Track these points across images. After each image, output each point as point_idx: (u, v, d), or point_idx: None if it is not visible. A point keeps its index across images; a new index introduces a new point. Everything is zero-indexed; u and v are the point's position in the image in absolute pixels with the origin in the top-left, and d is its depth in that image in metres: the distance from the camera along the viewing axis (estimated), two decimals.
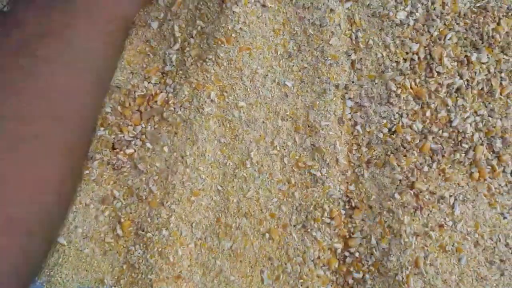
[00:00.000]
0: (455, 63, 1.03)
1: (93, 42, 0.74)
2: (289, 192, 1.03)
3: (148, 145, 1.05)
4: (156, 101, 1.07)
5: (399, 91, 1.02)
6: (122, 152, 1.06)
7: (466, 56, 1.02)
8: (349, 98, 1.03)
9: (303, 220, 1.02)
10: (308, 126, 1.04)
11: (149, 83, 1.07)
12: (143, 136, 1.07)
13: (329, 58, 1.04)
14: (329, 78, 1.04)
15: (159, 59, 1.08)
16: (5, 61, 0.65)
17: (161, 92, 1.07)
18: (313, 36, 1.04)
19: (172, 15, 1.09)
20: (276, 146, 1.04)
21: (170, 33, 1.08)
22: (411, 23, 1.02)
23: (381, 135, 1.02)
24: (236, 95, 1.05)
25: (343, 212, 1.01)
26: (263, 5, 1.04)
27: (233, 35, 1.03)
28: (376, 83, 1.04)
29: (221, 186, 1.05)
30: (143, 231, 1.03)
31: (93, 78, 0.79)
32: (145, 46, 1.09)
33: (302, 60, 1.06)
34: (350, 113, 1.04)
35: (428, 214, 0.97)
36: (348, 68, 1.05)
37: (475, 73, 1.01)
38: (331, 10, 1.03)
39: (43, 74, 0.67)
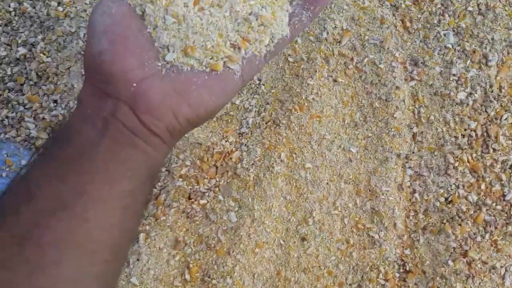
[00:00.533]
0: (510, 142, 1.29)
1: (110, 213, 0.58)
2: (347, 252, 1.29)
3: (220, 197, 1.34)
4: (231, 158, 1.36)
5: (456, 164, 1.29)
6: (196, 202, 1.35)
7: None
8: (409, 167, 1.30)
9: (358, 280, 1.27)
10: (369, 190, 1.32)
11: (226, 141, 1.37)
12: (216, 189, 1.36)
13: (393, 130, 1.32)
14: (391, 147, 1.32)
15: (237, 121, 1.38)
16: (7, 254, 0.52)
17: (236, 150, 1.36)
18: (378, 109, 1.33)
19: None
20: (338, 206, 1.31)
21: (249, 102, 1.39)
22: (470, 103, 1.30)
23: (437, 204, 1.28)
24: (304, 157, 1.34)
25: (397, 275, 1.26)
26: (335, 80, 1.34)
27: (306, 104, 1.33)
28: (435, 155, 1.31)
29: (284, 241, 1.32)
30: (209, 277, 1.30)
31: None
32: (224, 111, 1.40)
33: (367, 130, 1.34)
34: (409, 181, 1.31)
35: (480, 283, 1.21)
36: (409, 139, 1.33)
37: None
38: (397, 87, 1.32)
39: (50, 267, 0.53)
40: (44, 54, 1.34)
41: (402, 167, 1.22)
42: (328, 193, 1.24)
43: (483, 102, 1.19)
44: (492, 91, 1.19)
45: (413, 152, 1.22)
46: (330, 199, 1.24)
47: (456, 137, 1.19)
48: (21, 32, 1.37)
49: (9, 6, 1.38)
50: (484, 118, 1.18)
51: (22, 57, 1.35)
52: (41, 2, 1.36)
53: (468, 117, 1.19)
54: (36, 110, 1.34)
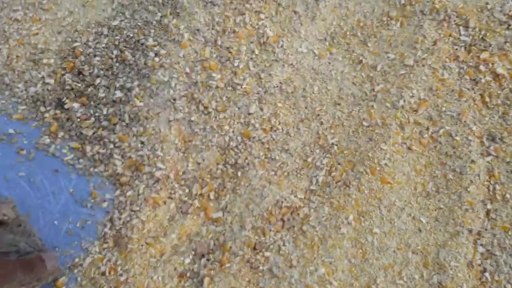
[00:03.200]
0: None
1: None
2: None
3: (284, 250, 1.45)
4: (298, 214, 1.47)
5: None
6: (261, 253, 1.47)
7: None
8: (481, 245, 1.34)
9: None
10: (437, 264, 1.36)
11: (295, 196, 1.49)
12: (281, 243, 1.47)
13: (466, 204, 1.37)
14: (463, 222, 1.37)
15: (307, 178, 1.50)
16: None
17: (304, 206, 1.48)
18: (452, 181, 1.40)
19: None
20: (403, 277, 1.37)
21: (321, 161, 1.51)
22: None
23: (509, 286, 1.30)
24: (372, 222, 1.42)
25: None
26: (409, 148, 1.43)
27: (378, 168, 1.43)
28: (509, 235, 1.34)
29: None
30: None
31: None
32: (295, 166, 1.52)
33: (439, 201, 1.40)
34: (480, 259, 1.34)
35: None
36: (483, 216, 1.37)
37: None
38: (472, 161, 1.39)
39: None
40: (137, 98, 1.56)
41: (473, 243, 1.27)
42: (394, 262, 1.31)
43: None
44: None
45: (485, 229, 1.27)
46: (396, 268, 1.30)
47: None
48: (120, 77, 1.60)
49: (112, 53, 1.63)
50: None
51: (118, 99, 1.58)
52: (140, 52, 1.59)
53: None
54: (124, 149, 1.54)
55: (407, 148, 1.35)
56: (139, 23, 1.65)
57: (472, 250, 1.23)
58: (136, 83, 1.59)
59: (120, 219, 1.47)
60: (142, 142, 1.55)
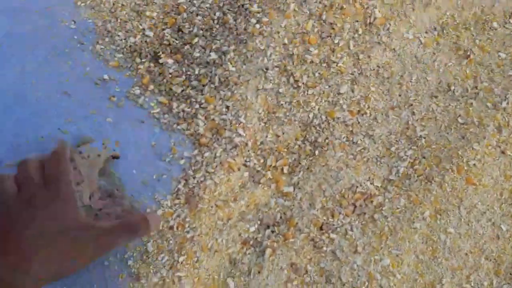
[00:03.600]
0: None
1: None
2: None
3: (351, 235, 1.63)
4: (372, 201, 1.65)
5: None
6: (327, 234, 1.66)
7: None
8: None
9: None
10: (510, 274, 1.49)
11: (371, 184, 1.67)
12: (349, 227, 1.65)
13: None
14: None
15: (387, 167, 1.67)
16: None
17: (380, 195, 1.65)
18: None
19: None
20: (471, 281, 1.50)
21: (405, 151, 1.67)
22: None
23: None
24: (448, 221, 1.57)
25: None
26: (503, 152, 1.56)
27: (465, 167, 1.57)
28: None
29: None
30: None
31: None
32: (377, 153, 1.70)
33: None
34: None
35: None
36: None
37: None
38: None
39: None
40: (231, 63, 1.81)
41: None
42: (464, 265, 1.46)
43: None
44: None
45: None
46: (465, 271, 1.45)
47: None
48: (218, 40, 1.87)
49: (214, 15, 1.90)
50: None
51: (212, 61, 1.84)
52: (242, 17, 1.85)
53: None
54: (209, 110, 1.80)
55: (500, 151, 1.49)
56: None
57: None
58: (232, 47, 1.85)
59: (194, 178, 1.72)
60: (227, 107, 1.80)
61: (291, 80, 1.72)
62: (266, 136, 1.72)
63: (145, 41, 1.94)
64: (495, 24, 1.67)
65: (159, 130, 1.78)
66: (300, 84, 1.72)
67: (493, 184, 1.40)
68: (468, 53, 1.63)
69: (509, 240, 1.34)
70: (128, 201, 1.58)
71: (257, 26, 1.80)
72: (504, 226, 1.35)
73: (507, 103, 1.49)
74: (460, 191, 1.41)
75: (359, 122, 1.65)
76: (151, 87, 1.88)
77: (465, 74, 1.62)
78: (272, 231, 1.56)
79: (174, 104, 1.84)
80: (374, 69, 1.68)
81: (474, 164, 1.41)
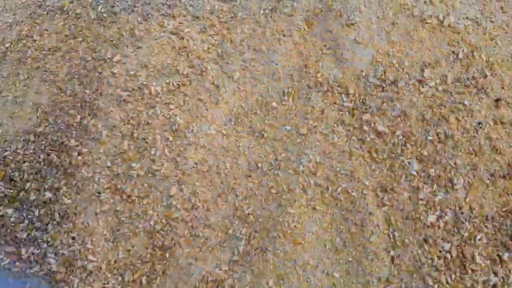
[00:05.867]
0: (488, 262, 1.60)
1: None
2: None
3: None
4: (224, 286, 1.76)
5: (436, 286, 1.60)
6: None
7: (498, 255, 1.59)
8: None
9: None
10: None
11: (220, 269, 1.78)
12: None
13: (371, 254, 1.68)
14: (371, 271, 1.66)
15: (230, 249, 1.80)
16: None
17: (229, 278, 1.76)
18: (355, 234, 1.71)
19: None
20: None
21: (240, 231, 1.82)
22: (442, 225, 1.65)
23: None
24: (291, 283, 1.71)
25: None
26: (314, 208, 1.75)
27: (289, 231, 1.74)
28: (414, 277, 1.63)
29: None
30: None
31: None
32: (218, 240, 1.83)
33: (347, 254, 1.71)
34: None
35: None
36: (388, 262, 1.67)
37: (510, 270, 1.57)
38: (370, 213, 1.71)
39: None
40: (65, 196, 1.88)
41: None
42: None
43: (455, 223, 1.54)
44: (462, 213, 1.55)
45: (393, 275, 1.56)
46: None
47: (432, 259, 1.53)
48: (48, 179, 1.93)
49: (40, 157, 1.97)
50: (457, 240, 1.52)
51: (48, 200, 1.90)
52: (64, 153, 1.93)
53: (442, 239, 1.54)
54: (57, 246, 1.84)
55: (312, 208, 1.67)
56: (61, 127, 2.00)
57: None
58: (63, 182, 1.92)
59: None
60: (73, 238, 1.86)
61: (124, 196, 1.82)
62: (118, 254, 1.79)
63: None
64: (274, 104, 1.88)
65: (12, 280, 1.78)
66: (133, 198, 1.83)
67: (315, 239, 1.56)
68: (262, 133, 1.83)
69: (344, 284, 1.51)
70: None
71: (79, 158, 1.89)
72: (336, 273, 1.52)
73: (303, 166, 1.67)
74: (291, 253, 1.56)
75: (196, 216, 1.76)
76: None
77: (266, 151, 1.81)
78: None
79: (23, 250, 1.86)
80: (193, 167, 1.83)
81: (295, 226, 1.57)
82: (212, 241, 1.73)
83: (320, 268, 1.69)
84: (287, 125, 1.77)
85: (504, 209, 1.70)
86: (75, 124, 1.89)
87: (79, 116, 1.91)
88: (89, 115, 1.88)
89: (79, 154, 1.87)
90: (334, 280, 1.66)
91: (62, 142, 1.90)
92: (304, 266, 1.69)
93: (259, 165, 1.74)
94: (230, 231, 1.73)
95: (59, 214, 1.83)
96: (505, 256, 1.64)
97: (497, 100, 1.72)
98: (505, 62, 1.77)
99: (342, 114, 1.72)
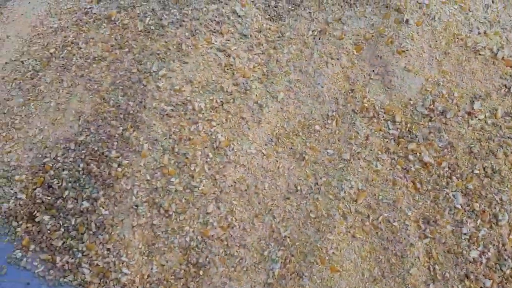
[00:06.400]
0: None
1: None
2: None
3: None
4: None
5: None
6: None
7: None
8: None
9: None
10: None
11: None
12: None
13: (409, 286, 1.64)
14: None
15: (265, 272, 1.78)
16: None
17: None
18: (395, 264, 1.68)
19: None
20: None
21: (276, 253, 1.80)
22: (484, 261, 1.61)
23: None
24: None
25: None
26: (353, 236, 1.72)
27: (327, 258, 1.71)
28: None
29: None
30: None
31: None
32: (253, 261, 1.81)
33: (385, 285, 1.67)
34: None
35: None
36: None
37: None
38: (411, 244, 1.67)
39: None
40: (103, 207, 1.88)
41: None
42: None
43: (497, 260, 1.50)
44: (505, 250, 1.51)
45: None
46: None
47: None
48: (86, 188, 1.94)
49: (79, 166, 1.98)
50: (499, 277, 1.49)
51: (85, 209, 1.90)
52: (104, 164, 1.94)
53: (483, 275, 1.50)
54: (92, 257, 1.84)
55: (351, 236, 1.65)
56: (103, 137, 2.01)
57: None
58: (101, 192, 1.93)
59: None
60: (108, 249, 1.85)
61: (162, 211, 1.82)
62: (152, 268, 1.78)
63: (19, 204, 1.97)
64: (317, 127, 1.87)
65: None
66: (171, 213, 1.82)
67: (354, 267, 1.54)
68: (303, 155, 1.81)
69: None
70: None
71: (119, 169, 1.90)
72: None
73: (344, 192, 1.65)
74: (328, 280, 1.54)
75: (231, 235, 1.75)
76: (32, 246, 1.89)
77: (306, 174, 1.79)
78: None
79: (58, 258, 1.86)
80: (231, 185, 1.82)
81: (333, 252, 1.55)
82: (247, 262, 1.71)
83: None
84: (329, 149, 1.75)
85: None
86: (116, 135, 1.89)
87: (121, 128, 1.91)
88: (131, 127, 1.88)
89: (119, 165, 1.87)
90: None
91: (103, 153, 1.90)
92: None
93: (299, 187, 1.72)
94: (266, 253, 1.71)
95: (96, 224, 1.83)
96: None
97: None
98: None
99: (387, 142, 1.70)
